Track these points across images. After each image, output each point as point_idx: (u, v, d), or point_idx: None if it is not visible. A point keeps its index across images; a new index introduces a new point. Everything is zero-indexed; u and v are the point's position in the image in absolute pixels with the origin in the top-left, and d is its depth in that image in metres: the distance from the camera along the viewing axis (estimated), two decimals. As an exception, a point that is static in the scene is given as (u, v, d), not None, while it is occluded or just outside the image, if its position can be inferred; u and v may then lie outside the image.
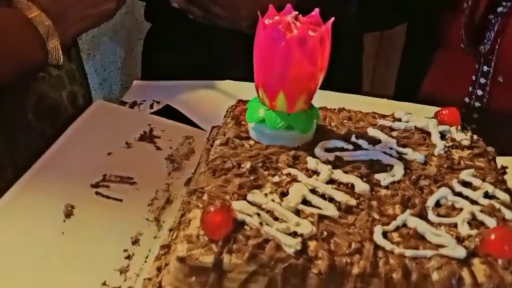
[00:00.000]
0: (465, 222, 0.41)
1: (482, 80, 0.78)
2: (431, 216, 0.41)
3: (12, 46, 0.56)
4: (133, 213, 0.49)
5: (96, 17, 0.64)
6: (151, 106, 0.74)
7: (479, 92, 0.79)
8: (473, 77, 0.78)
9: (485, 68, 0.77)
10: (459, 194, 0.44)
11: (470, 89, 0.79)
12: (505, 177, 0.49)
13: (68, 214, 0.46)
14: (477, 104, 0.79)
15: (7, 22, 0.57)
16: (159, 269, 0.40)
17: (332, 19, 0.47)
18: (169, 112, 0.73)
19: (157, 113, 0.73)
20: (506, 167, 0.50)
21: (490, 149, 0.54)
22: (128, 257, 0.44)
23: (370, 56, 1.33)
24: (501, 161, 0.52)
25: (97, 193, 0.50)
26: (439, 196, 0.44)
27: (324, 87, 0.72)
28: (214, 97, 0.76)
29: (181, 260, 0.37)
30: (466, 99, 0.80)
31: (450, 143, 0.53)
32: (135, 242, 0.46)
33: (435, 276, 0.36)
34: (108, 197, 0.50)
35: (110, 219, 0.48)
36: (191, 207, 0.41)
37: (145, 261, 0.45)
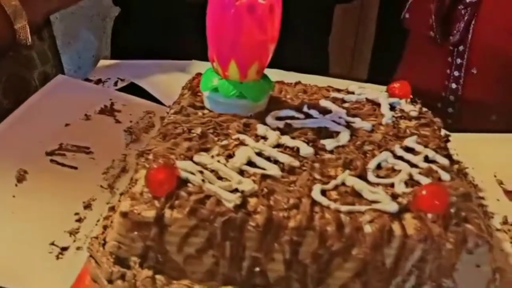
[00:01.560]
0: (402, 182, 0.42)
1: (456, 73, 0.78)
2: (371, 177, 0.43)
3: None
4: (87, 180, 0.50)
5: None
6: (115, 84, 0.75)
7: (453, 86, 0.79)
8: (447, 71, 0.78)
9: (459, 60, 0.77)
10: (400, 158, 0.46)
11: (446, 82, 0.78)
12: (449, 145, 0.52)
13: (21, 179, 0.47)
14: (452, 97, 0.79)
15: None
16: (105, 228, 0.41)
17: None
18: (133, 90, 0.74)
19: (121, 90, 0.74)
20: (449, 135, 0.53)
21: (437, 120, 0.56)
22: (79, 220, 0.45)
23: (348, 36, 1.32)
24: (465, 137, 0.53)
25: (51, 160, 0.51)
26: (380, 159, 0.45)
27: (289, 67, 0.74)
28: (179, 76, 0.77)
29: (124, 215, 0.38)
30: (442, 93, 0.79)
31: (399, 114, 0.55)
32: (87, 206, 0.47)
33: (367, 228, 0.38)
34: (63, 165, 0.51)
35: (63, 185, 0.48)
36: (138, 167, 0.42)
37: (96, 225, 0.46)
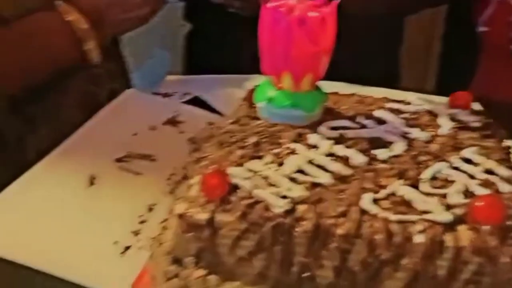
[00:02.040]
0: (456, 192, 0.41)
1: None
2: (424, 187, 0.43)
3: (49, 48, 0.62)
4: (151, 185, 0.54)
5: (132, 21, 0.69)
6: (181, 97, 0.79)
7: None
8: None
9: None
10: (456, 169, 0.45)
11: None
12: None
13: (91, 182, 0.51)
14: None
15: (46, 25, 0.62)
16: (164, 229, 0.44)
17: (338, 1, 0.49)
18: (198, 104, 0.77)
19: (186, 103, 0.78)
20: (510, 146, 0.50)
21: (502, 131, 0.54)
22: (142, 222, 0.49)
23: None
24: None
25: (119, 167, 0.55)
26: (435, 169, 0.45)
27: (356, 79, 0.75)
28: (242, 89, 0.79)
29: (180, 217, 0.40)
30: None
31: (459, 125, 0.53)
32: (150, 209, 0.50)
33: (417, 238, 0.37)
34: (129, 171, 0.55)
35: (129, 189, 0.52)
36: (194, 173, 0.45)
37: (158, 227, 0.48)
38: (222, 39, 0.96)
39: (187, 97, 0.79)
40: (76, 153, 0.56)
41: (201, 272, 0.40)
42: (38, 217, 0.47)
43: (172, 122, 0.67)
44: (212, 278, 0.40)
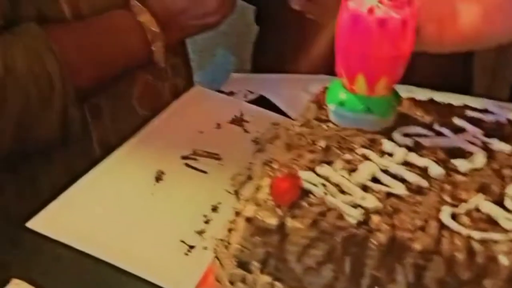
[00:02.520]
0: (548, 211, 0.38)
1: None
2: (509, 203, 0.40)
3: (121, 46, 0.64)
4: (215, 184, 0.53)
5: (200, 27, 0.70)
6: (245, 96, 0.79)
7: None
8: None
9: None
10: (546, 186, 0.42)
11: None
12: None
13: (158, 178, 0.52)
14: None
15: (119, 23, 0.64)
16: (230, 231, 0.43)
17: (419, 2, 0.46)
18: (263, 103, 0.77)
19: (251, 102, 0.77)
20: None
21: None
22: (207, 222, 0.48)
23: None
24: None
25: (186, 164, 0.55)
26: (521, 185, 0.41)
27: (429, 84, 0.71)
28: (307, 90, 0.78)
29: (248, 220, 0.39)
30: None
31: (546, 137, 0.49)
32: (214, 209, 0.50)
33: (502, 259, 0.35)
34: (195, 168, 0.55)
35: (194, 187, 0.52)
36: (263, 175, 0.44)
37: (222, 227, 0.48)
38: (290, 43, 0.95)
39: (252, 96, 0.78)
40: (144, 150, 0.56)
41: (267, 278, 0.39)
42: (106, 212, 0.48)
43: (238, 121, 0.67)
44: (279, 285, 0.39)
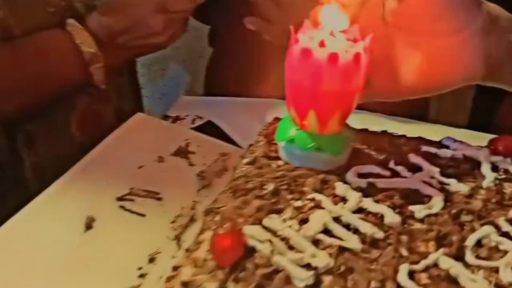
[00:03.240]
0: (509, 267, 0.35)
1: None
2: (469, 257, 0.37)
3: (51, 69, 0.59)
4: (154, 229, 0.48)
5: (147, 47, 0.66)
6: (193, 121, 0.74)
7: None
8: None
9: None
10: (505, 235, 0.39)
11: None
12: None
13: (88, 226, 0.46)
14: None
15: (50, 44, 0.59)
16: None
17: (371, 36, 0.43)
18: (211, 128, 0.72)
19: (198, 128, 0.72)
20: None
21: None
22: (142, 276, 0.43)
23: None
24: None
25: (121, 206, 0.50)
26: (481, 234, 0.39)
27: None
28: (259, 116, 0.74)
29: (185, 284, 0.35)
30: None
31: (503, 176, 0.47)
32: (152, 260, 0.45)
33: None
34: (131, 211, 0.50)
35: (129, 235, 0.47)
36: (205, 227, 0.39)
37: (159, 281, 0.43)
38: (244, 65, 0.91)
39: (200, 122, 0.74)
40: (74, 191, 0.50)
41: None
42: (23, 270, 0.41)
43: (182, 152, 0.62)
44: None
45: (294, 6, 0.70)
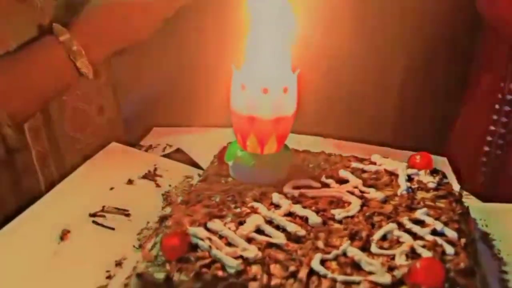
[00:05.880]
0: (403, 254, 0.44)
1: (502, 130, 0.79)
2: (374, 248, 0.45)
3: (48, 70, 0.64)
4: (122, 240, 0.56)
5: (128, 42, 0.70)
6: (164, 149, 0.83)
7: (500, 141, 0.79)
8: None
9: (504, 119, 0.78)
10: (407, 230, 0.48)
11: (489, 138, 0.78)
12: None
13: (63, 237, 0.54)
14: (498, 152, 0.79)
15: (43, 49, 0.64)
16: (125, 286, 0.46)
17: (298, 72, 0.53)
18: (180, 155, 0.81)
19: (168, 155, 0.81)
20: (466, 207, 0.53)
21: (456, 191, 0.56)
22: (109, 277, 0.51)
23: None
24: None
25: (93, 221, 0.58)
26: (385, 230, 0.47)
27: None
28: (222, 142, 0.83)
29: (139, 276, 0.42)
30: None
31: (416, 185, 0.56)
32: (118, 264, 0.52)
33: (361, 300, 0.39)
34: (102, 225, 0.57)
35: (99, 244, 0.54)
36: (158, 231, 0.47)
37: (125, 283, 0.50)
38: None
39: (169, 150, 0.82)
40: (54, 207, 0.58)
41: (159, 329, 0.42)
42: (5, 274, 0.49)
43: (150, 176, 0.70)
44: (169, 335, 0.42)
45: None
